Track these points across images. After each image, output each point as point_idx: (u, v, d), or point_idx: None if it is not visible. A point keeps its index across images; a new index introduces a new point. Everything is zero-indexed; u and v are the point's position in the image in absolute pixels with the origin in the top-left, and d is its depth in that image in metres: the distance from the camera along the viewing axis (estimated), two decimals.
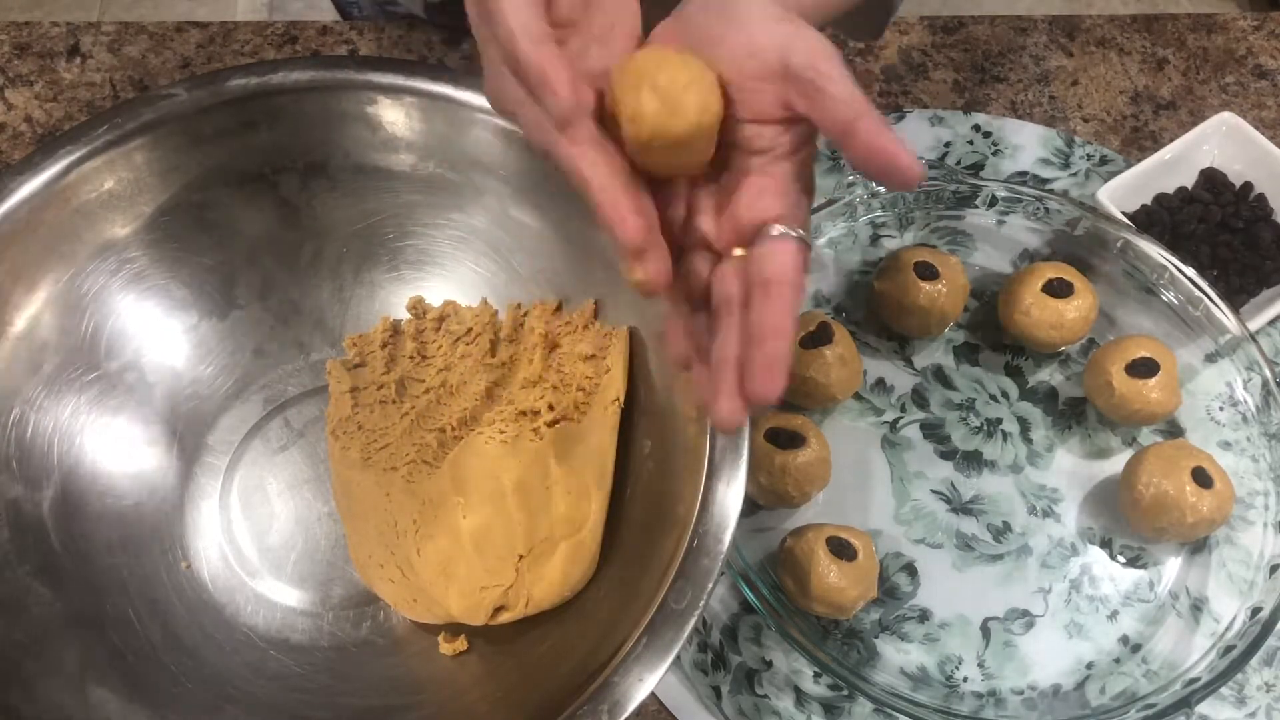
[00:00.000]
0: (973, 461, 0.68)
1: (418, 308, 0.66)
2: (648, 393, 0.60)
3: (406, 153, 0.63)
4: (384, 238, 0.66)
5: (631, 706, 0.47)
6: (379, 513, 0.61)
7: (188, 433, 0.65)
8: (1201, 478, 0.61)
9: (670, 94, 0.40)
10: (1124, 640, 0.63)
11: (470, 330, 0.65)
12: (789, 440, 0.63)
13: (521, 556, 0.57)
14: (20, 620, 0.56)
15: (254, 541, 0.63)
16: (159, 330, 0.64)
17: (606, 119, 0.42)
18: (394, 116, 0.62)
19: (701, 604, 0.49)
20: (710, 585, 0.49)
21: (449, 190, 0.64)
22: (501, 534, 0.58)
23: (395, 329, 0.66)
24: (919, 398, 0.69)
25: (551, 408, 0.61)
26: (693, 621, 0.48)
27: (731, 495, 0.51)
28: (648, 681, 0.47)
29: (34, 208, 0.58)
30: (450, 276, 0.67)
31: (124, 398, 0.63)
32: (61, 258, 0.60)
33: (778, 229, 0.42)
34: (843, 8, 0.52)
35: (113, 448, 0.63)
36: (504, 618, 0.57)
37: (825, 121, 0.41)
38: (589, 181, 0.41)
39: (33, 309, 0.60)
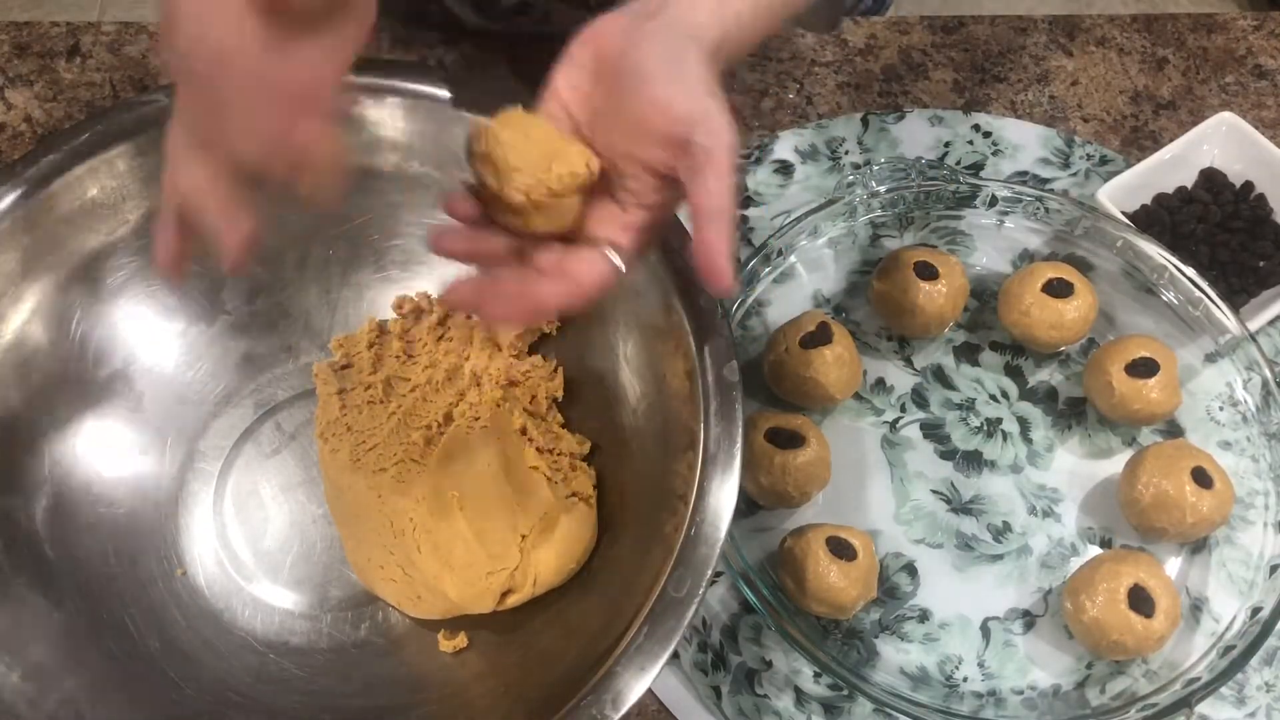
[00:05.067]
0: (973, 461, 0.68)
1: (404, 307, 0.66)
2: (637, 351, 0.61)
3: (391, 153, 0.63)
4: (370, 239, 0.66)
5: (634, 697, 0.47)
6: (373, 515, 0.61)
7: (179, 439, 0.65)
8: (1201, 478, 0.61)
9: (509, 170, 0.45)
10: None
11: (445, 318, 0.65)
12: (789, 440, 0.62)
13: (524, 536, 0.57)
14: (18, 632, 0.56)
15: (249, 546, 0.63)
16: (147, 338, 0.64)
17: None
18: (377, 117, 0.62)
19: (701, 591, 0.49)
20: (709, 572, 0.49)
21: (434, 189, 0.64)
22: (502, 518, 0.58)
23: (381, 329, 0.66)
24: (919, 398, 0.69)
25: (531, 396, 0.62)
26: (693, 609, 0.48)
27: (728, 485, 0.51)
28: (650, 671, 0.47)
29: (17, 218, 0.59)
30: (437, 275, 0.67)
31: (114, 406, 0.63)
32: (48, 268, 0.60)
33: (607, 250, 0.47)
34: (772, 30, 0.53)
35: (104, 457, 0.63)
36: (512, 601, 0.57)
37: (692, 199, 0.45)
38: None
39: (20, 319, 0.60)
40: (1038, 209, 0.71)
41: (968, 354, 0.71)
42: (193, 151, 0.45)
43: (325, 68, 0.44)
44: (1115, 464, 0.67)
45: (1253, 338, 0.66)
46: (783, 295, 0.72)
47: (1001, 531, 0.66)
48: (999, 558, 0.65)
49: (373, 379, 0.64)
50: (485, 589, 0.57)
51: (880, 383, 0.70)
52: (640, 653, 0.48)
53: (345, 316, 0.67)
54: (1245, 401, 0.67)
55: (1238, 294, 0.70)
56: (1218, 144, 0.74)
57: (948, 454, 0.68)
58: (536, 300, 0.47)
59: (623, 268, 0.47)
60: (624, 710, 0.47)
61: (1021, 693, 0.62)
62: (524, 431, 0.61)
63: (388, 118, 0.62)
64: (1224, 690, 0.60)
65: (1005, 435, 0.68)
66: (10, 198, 0.58)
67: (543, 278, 0.47)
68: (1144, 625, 0.58)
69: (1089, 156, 0.77)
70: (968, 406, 0.69)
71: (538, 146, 0.45)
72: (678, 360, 0.55)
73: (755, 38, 0.50)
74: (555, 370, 0.64)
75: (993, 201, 0.71)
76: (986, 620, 0.63)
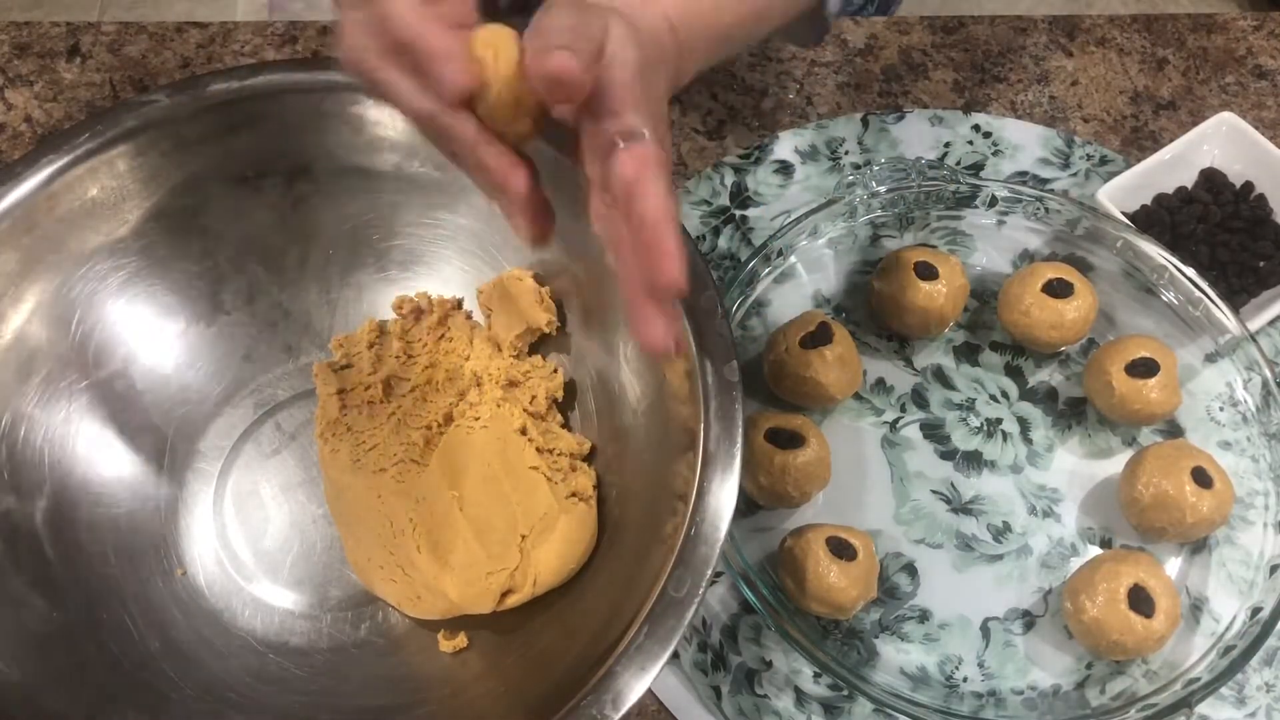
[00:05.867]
0: (973, 461, 0.68)
1: (404, 307, 0.66)
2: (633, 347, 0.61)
3: (391, 153, 0.63)
4: (370, 239, 0.66)
5: (634, 697, 0.47)
6: (373, 515, 0.61)
7: (179, 439, 0.65)
8: (1201, 478, 0.61)
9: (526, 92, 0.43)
10: None
11: (445, 318, 0.65)
12: (789, 440, 0.62)
13: (524, 537, 0.57)
14: (18, 632, 0.56)
15: (249, 546, 0.63)
16: (147, 337, 0.64)
17: None
18: (377, 116, 0.62)
19: (701, 591, 0.49)
20: (709, 572, 0.49)
21: (434, 189, 0.64)
22: (501, 519, 0.58)
23: (381, 329, 0.66)
24: (919, 398, 0.69)
25: (531, 397, 0.62)
26: (693, 609, 0.48)
27: (728, 485, 0.51)
28: (650, 671, 0.47)
29: (17, 218, 0.58)
30: (437, 276, 0.67)
31: (114, 406, 0.63)
32: (48, 267, 0.60)
33: (621, 138, 0.43)
34: (739, 31, 0.54)
35: (104, 456, 0.63)
36: (512, 601, 0.57)
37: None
38: (472, 146, 0.44)
39: (20, 319, 0.60)
40: (1038, 209, 0.71)
41: (968, 354, 0.71)
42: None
43: None
44: (1115, 464, 0.67)
45: (1253, 338, 0.66)
46: (783, 295, 0.72)
47: (1001, 531, 0.66)
48: (999, 558, 0.65)
49: (373, 379, 0.64)
50: (485, 589, 0.57)
51: (880, 383, 0.70)
52: (640, 653, 0.48)
53: (345, 316, 0.67)
54: (1245, 401, 0.67)
55: (1238, 294, 0.70)
56: (1218, 144, 0.74)
57: (948, 454, 0.68)
58: (646, 233, 0.42)
59: (645, 132, 0.43)
60: (624, 710, 0.47)
61: (1021, 693, 0.62)
62: (524, 431, 0.61)
63: (388, 118, 0.62)
64: (1224, 690, 0.60)
65: (1005, 435, 0.68)
66: (10, 198, 0.58)
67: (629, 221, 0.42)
68: (1144, 625, 0.58)
69: (1089, 156, 0.77)
70: (968, 406, 0.69)
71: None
72: (678, 360, 0.55)
73: (717, 32, 0.51)
74: (555, 370, 0.64)
75: (993, 201, 0.71)
76: (986, 620, 0.63)
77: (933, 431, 0.68)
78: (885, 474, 0.67)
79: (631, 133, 0.43)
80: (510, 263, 0.65)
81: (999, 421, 0.69)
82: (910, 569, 0.65)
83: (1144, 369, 0.64)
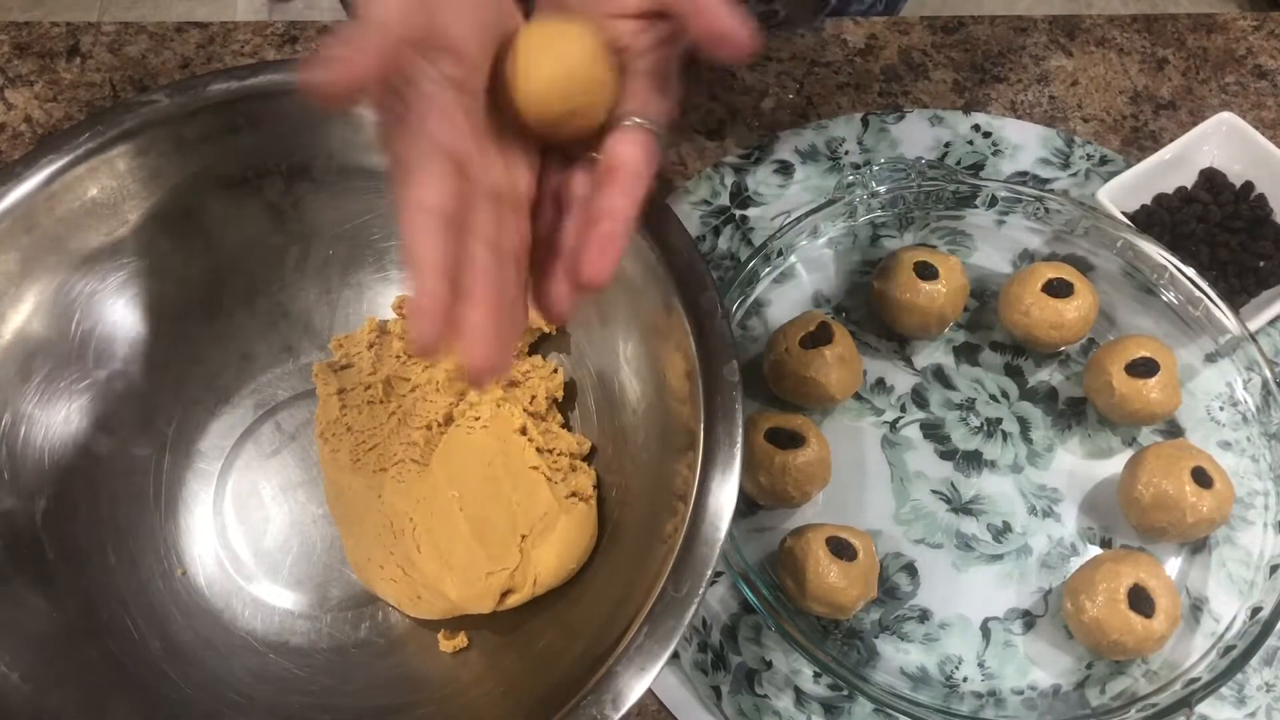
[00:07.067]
0: (973, 461, 0.68)
1: (404, 307, 0.66)
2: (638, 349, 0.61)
3: None
4: (370, 239, 0.66)
5: (634, 697, 0.47)
6: (373, 514, 0.61)
7: (179, 439, 0.65)
8: (1201, 478, 0.61)
9: (556, 77, 0.43)
10: None
11: None
12: (789, 440, 0.62)
13: (524, 536, 0.57)
14: (18, 632, 0.56)
15: (249, 546, 0.63)
16: (147, 337, 0.64)
17: (498, 85, 0.44)
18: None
19: (701, 591, 0.49)
20: (709, 572, 0.49)
21: None
22: (502, 518, 0.58)
23: (381, 329, 0.66)
24: (919, 398, 0.69)
25: (531, 397, 0.62)
26: (693, 609, 0.48)
27: (728, 485, 0.51)
28: (650, 671, 0.47)
29: (17, 218, 0.58)
30: None
31: (114, 405, 0.63)
32: (47, 268, 0.60)
33: (629, 120, 0.44)
34: None
35: (104, 456, 0.62)
36: (512, 601, 0.57)
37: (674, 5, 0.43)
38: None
39: (20, 319, 0.60)
40: (1038, 209, 0.71)
41: (968, 354, 0.71)
42: None
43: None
44: (1115, 464, 0.67)
45: (1253, 338, 0.66)
46: (783, 295, 0.72)
47: (1001, 531, 0.66)
48: (999, 558, 0.65)
49: (373, 379, 0.64)
50: (485, 589, 0.57)
51: (880, 383, 0.70)
52: (640, 653, 0.48)
53: (345, 316, 0.67)
54: (1245, 401, 0.67)
55: (1238, 294, 0.70)
56: (1218, 144, 0.74)
57: (948, 454, 0.68)
58: (611, 219, 0.42)
59: (651, 125, 0.44)
60: (624, 710, 0.47)
61: (1021, 693, 0.62)
62: (524, 431, 0.61)
63: None
64: (1224, 690, 0.60)
65: (1005, 435, 0.68)
66: (10, 198, 0.58)
67: (592, 198, 0.43)
68: (1144, 625, 0.58)
69: (1089, 156, 0.77)
70: (968, 406, 0.69)
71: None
72: (678, 360, 0.55)
73: None
74: (555, 370, 0.64)
75: (993, 201, 0.71)
76: (986, 620, 0.63)
77: (933, 431, 0.68)
78: (885, 474, 0.67)
79: (646, 113, 0.43)
80: None
81: (999, 421, 0.69)
82: (910, 569, 0.65)
83: (1144, 369, 0.64)
